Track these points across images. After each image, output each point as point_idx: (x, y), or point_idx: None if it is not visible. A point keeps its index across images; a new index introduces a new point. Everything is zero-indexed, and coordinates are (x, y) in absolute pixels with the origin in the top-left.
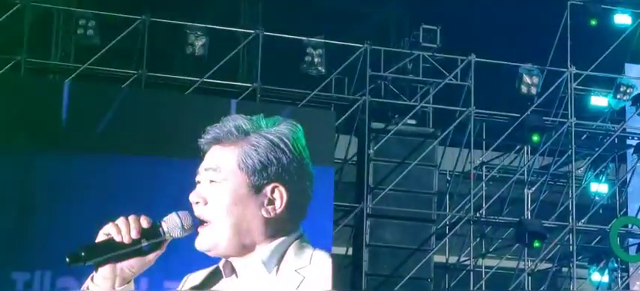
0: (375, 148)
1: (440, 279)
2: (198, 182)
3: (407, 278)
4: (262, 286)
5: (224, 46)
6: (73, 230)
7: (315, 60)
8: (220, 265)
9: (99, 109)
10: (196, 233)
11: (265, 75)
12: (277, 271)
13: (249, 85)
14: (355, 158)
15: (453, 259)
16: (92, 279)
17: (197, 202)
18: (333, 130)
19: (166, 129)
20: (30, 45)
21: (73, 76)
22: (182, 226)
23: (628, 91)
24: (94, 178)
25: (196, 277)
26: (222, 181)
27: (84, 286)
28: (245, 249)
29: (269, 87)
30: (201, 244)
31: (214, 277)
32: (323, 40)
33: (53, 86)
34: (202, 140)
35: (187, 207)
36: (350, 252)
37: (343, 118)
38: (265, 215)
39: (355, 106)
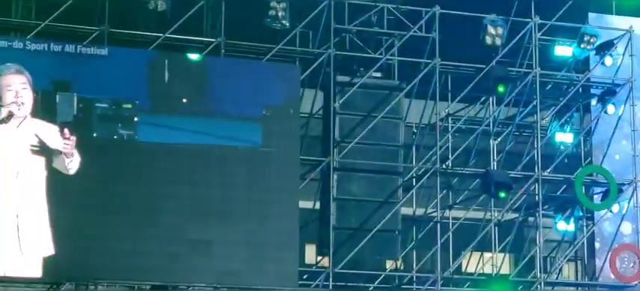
0: (341, 101)
1: (407, 231)
2: None
3: (374, 231)
4: None
5: (187, 1)
6: None
7: (279, 14)
8: None
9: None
10: None
11: (229, 29)
12: None
13: (213, 40)
14: (321, 112)
15: (420, 211)
16: None
17: None
18: (298, 83)
19: None
20: None
21: (33, 33)
22: None
23: (592, 40)
24: None
25: None
26: None
27: None
28: None
29: (233, 42)
30: None
31: None
32: None
33: None
34: None
35: None
36: (317, 206)
37: (308, 71)
38: None
39: (320, 59)
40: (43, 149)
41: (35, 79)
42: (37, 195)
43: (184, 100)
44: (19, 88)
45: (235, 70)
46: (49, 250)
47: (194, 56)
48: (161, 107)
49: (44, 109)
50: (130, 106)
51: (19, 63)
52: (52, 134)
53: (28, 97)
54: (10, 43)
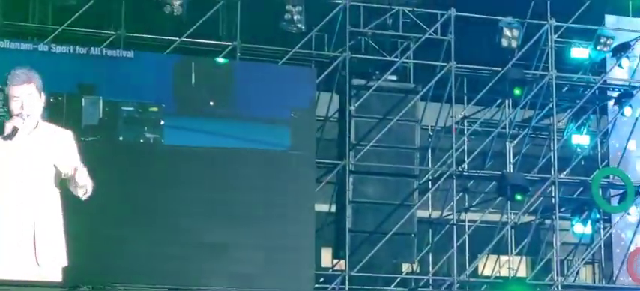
0: (357, 104)
1: (423, 234)
2: None
3: (390, 234)
4: None
5: (203, 5)
6: None
7: (295, 17)
8: None
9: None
10: None
11: (245, 33)
12: None
13: (229, 44)
14: (337, 115)
15: (436, 214)
16: None
17: None
18: (314, 87)
19: None
20: (6, 9)
21: (50, 38)
22: None
23: (608, 42)
24: None
25: None
26: None
27: None
28: None
29: (249, 45)
30: None
31: None
32: None
33: None
34: None
35: None
36: (333, 209)
37: (324, 75)
38: None
39: (335, 62)
40: (55, 176)
41: (60, 83)
42: (53, 202)
43: (211, 103)
44: (25, 98)
45: (259, 73)
46: (66, 260)
47: (221, 59)
48: (187, 110)
49: (69, 113)
50: (156, 109)
51: (43, 67)
52: (65, 141)
53: (35, 106)
54: (35, 47)
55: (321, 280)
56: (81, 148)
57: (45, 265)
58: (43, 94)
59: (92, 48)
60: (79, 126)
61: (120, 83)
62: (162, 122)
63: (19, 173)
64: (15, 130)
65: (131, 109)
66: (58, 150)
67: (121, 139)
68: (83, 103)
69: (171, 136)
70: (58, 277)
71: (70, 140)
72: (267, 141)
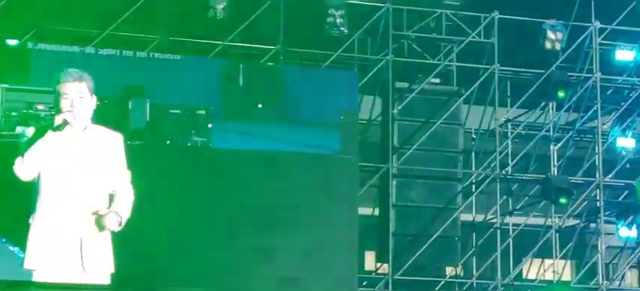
0: (400, 107)
1: (467, 238)
2: None
3: (434, 237)
4: None
5: (245, 10)
6: None
7: (338, 20)
8: None
9: None
10: None
11: (288, 37)
12: None
13: (272, 47)
14: (379, 118)
15: (479, 218)
16: None
17: None
18: (357, 90)
19: None
20: (51, 13)
21: (95, 41)
22: None
23: None
24: None
25: None
26: None
27: None
28: None
29: (292, 49)
30: None
31: None
32: (345, 0)
33: None
34: None
35: None
36: (376, 212)
37: (367, 78)
38: None
39: (378, 66)
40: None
41: (107, 86)
42: (101, 207)
43: (259, 106)
44: (76, 97)
45: (305, 76)
46: (112, 267)
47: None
48: (235, 113)
49: (116, 116)
50: (203, 112)
51: (89, 70)
52: (115, 144)
53: (85, 106)
54: (81, 49)
55: (365, 283)
56: (127, 151)
57: (91, 271)
58: (94, 96)
59: (138, 51)
60: (125, 129)
61: (167, 86)
62: (209, 125)
63: (67, 175)
64: (65, 122)
65: (178, 111)
66: (107, 153)
67: (168, 142)
68: (130, 106)
69: (219, 140)
70: (105, 281)
71: (121, 143)
72: (316, 143)
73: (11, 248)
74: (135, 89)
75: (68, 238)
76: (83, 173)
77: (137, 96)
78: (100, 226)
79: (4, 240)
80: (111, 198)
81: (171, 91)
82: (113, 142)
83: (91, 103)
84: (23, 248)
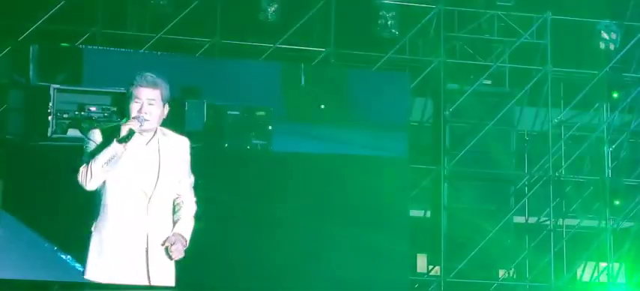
0: (451, 109)
1: (520, 239)
2: None
3: (486, 239)
4: None
5: (297, 11)
6: None
7: (389, 22)
8: None
9: None
10: None
11: (338, 39)
12: None
13: (322, 49)
14: (431, 120)
15: (532, 220)
16: None
17: None
18: (409, 92)
19: None
20: (104, 17)
21: (148, 45)
22: None
23: None
24: None
25: None
26: None
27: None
28: None
29: (343, 51)
30: None
31: None
32: (396, 2)
33: None
34: None
35: None
36: (428, 214)
37: (418, 80)
38: None
39: (430, 67)
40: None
41: None
42: (166, 213)
43: (322, 106)
44: (146, 102)
45: (360, 78)
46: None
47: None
48: (297, 115)
49: (172, 118)
50: (263, 113)
51: (145, 71)
52: (183, 150)
53: (154, 113)
54: (139, 51)
55: (417, 285)
56: None
57: (157, 283)
58: (167, 105)
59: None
60: (182, 132)
61: (225, 87)
62: (269, 127)
63: (134, 183)
64: (130, 133)
65: (237, 113)
66: (175, 159)
67: (226, 145)
68: (186, 108)
69: (280, 142)
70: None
71: (188, 149)
72: (384, 146)
73: (64, 257)
74: (192, 90)
75: (134, 248)
76: (151, 181)
77: (194, 97)
78: (168, 256)
79: (55, 248)
80: (175, 206)
81: (229, 93)
82: (181, 147)
83: (163, 110)
84: (77, 257)
